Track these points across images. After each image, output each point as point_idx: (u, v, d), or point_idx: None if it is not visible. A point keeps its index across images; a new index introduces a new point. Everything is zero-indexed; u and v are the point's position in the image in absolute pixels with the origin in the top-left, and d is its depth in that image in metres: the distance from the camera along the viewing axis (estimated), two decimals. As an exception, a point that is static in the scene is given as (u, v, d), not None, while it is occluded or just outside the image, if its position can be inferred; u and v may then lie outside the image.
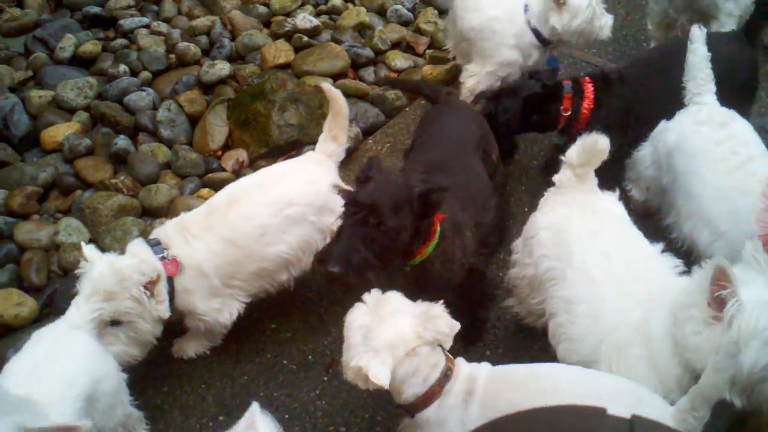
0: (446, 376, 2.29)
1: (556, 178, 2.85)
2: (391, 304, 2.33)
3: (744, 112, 3.45)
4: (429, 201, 2.59)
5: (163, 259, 2.88)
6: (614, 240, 2.65)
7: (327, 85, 3.21)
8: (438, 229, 2.76)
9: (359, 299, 2.36)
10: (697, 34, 3.26)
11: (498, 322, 3.38)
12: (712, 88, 3.27)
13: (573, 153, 2.76)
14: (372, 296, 2.36)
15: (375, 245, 2.53)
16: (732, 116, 3.21)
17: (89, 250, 2.76)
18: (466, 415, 2.25)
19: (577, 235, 2.68)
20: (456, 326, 2.32)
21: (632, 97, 3.71)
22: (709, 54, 3.27)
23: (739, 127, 3.17)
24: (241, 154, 4.17)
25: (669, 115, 3.37)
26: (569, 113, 3.70)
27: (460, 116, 3.48)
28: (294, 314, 3.43)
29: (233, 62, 4.78)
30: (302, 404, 3.08)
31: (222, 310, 3.05)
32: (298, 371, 3.21)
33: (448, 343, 2.32)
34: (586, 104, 3.69)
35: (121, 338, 2.73)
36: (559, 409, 1.78)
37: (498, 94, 3.82)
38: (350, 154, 4.05)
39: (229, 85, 4.59)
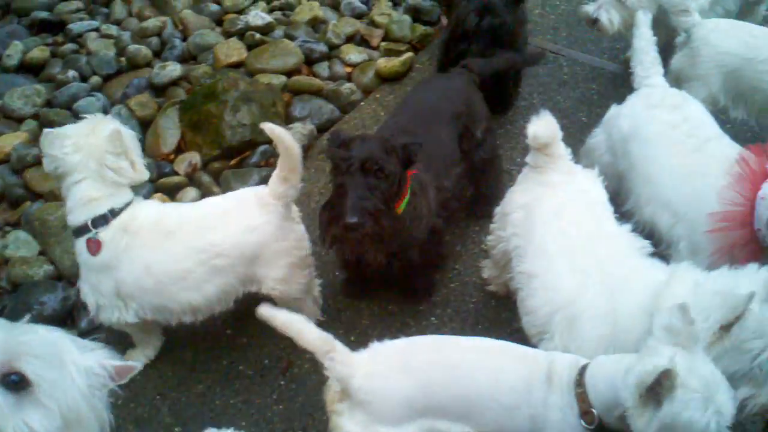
0: None
1: (528, 158, 2.86)
2: None
3: None
4: (409, 152, 2.73)
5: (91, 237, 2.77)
6: (575, 219, 2.64)
7: (269, 125, 2.82)
8: (410, 185, 2.85)
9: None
10: (642, 20, 3.24)
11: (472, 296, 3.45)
12: (660, 70, 3.25)
13: (533, 134, 2.72)
14: None
15: (378, 192, 2.64)
16: (684, 98, 3.18)
17: None
18: None
19: (541, 214, 2.70)
20: None
21: None
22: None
23: (692, 108, 3.14)
24: (194, 157, 4.07)
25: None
26: None
27: (444, 88, 3.52)
28: (250, 318, 3.29)
29: (185, 63, 4.69)
30: (259, 410, 3.02)
31: (102, 309, 2.88)
32: (255, 376, 3.14)
33: None
34: None
35: None
36: None
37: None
38: (306, 150, 3.99)
39: (181, 86, 4.49)
